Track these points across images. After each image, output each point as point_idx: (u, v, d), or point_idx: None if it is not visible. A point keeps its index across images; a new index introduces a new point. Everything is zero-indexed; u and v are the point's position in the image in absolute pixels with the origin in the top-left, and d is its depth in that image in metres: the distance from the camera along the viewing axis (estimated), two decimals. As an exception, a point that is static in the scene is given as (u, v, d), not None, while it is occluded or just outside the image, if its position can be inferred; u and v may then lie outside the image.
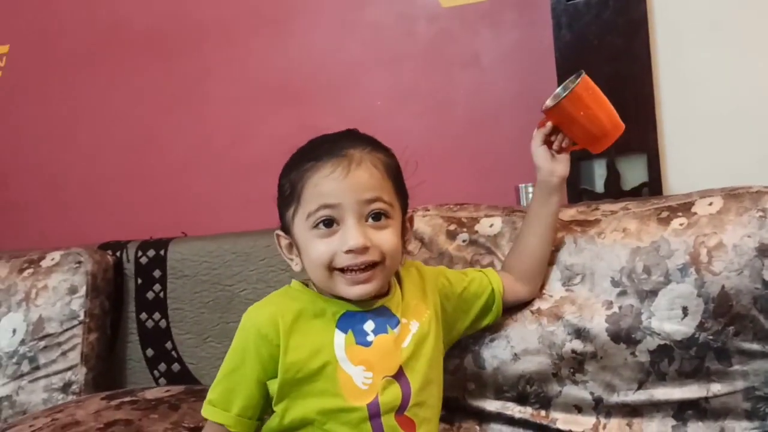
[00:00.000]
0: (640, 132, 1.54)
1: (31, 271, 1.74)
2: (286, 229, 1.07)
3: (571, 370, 1.21)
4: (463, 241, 1.35)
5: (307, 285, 1.08)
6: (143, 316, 1.78)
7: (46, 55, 2.22)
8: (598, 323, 1.20)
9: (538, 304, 1.25)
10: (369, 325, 1.04)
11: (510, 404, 1.26)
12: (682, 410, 1.17)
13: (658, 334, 1.16)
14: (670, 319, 1.16)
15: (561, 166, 1.20)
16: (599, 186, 1.59)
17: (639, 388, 1.18)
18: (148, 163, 2.13)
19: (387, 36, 1.90)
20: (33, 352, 1.65)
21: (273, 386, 1.01)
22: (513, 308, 1.25)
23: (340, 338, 1.02)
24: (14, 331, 1.67)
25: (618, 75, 1.54)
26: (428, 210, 1.41)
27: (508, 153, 1.72)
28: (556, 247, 1.26)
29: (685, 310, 1.15)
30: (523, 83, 1.76)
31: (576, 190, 1.59)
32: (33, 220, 2.25)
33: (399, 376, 1.03)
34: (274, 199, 1.08)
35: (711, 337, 1.14)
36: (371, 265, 1.00)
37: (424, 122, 1.87)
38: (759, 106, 1.52)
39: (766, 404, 1.14)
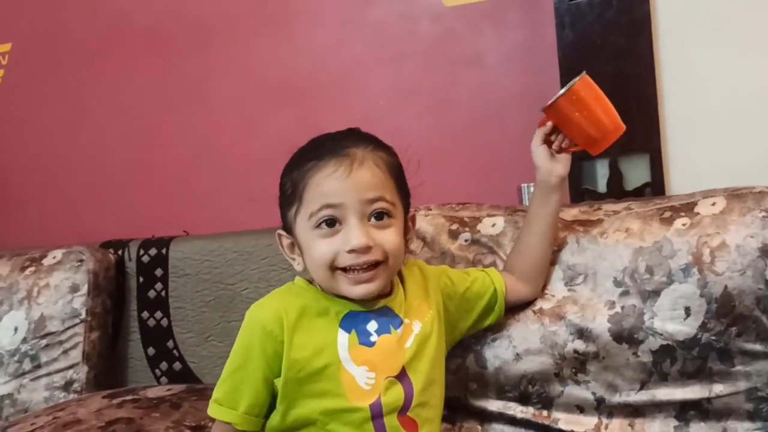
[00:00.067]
0: (643, 132, 1.54)
1: (33, 269, 1.74)
2: (287, 228, 1.07)
3: (573, 370, 1.21)
4: (465, 240, 1.35)
5: (310, 282, 1.08)
6: (145, 314, 1.78)
7: (49, 53, 2.22)
8: (600, 323, 1.19)
9: (540, 304, 1.25)
10: (372, 326, 1.03)
11: (512, 404, 1.26)
12: (684, 411, 1.17)
13: (661, 335, 1.16)
14: (672, 319, 1.16)
15: (560, 166, 1.20)
16: (602, 186, 1.59)
17: (641, 388, 1.18)
18: (150, 161, 2.13)
19: (389, 35, 1.89)
20: (34, 350, 1.65)
21: (278, 384, 1.01)
22: (515, 308, 1.25)
23: (343, 338, 1.02)
24: (16, 329, 1.67)
25: (621, 75, 1.53)
26: (430, 209, 1.41)
27: (510, 153, 1.72)
28: (558, 247, 1.26)
29: (687, 311, 1.15)
30: (525, 83, 1.76)
31: (578, 190, 1.58)
32: (35, 217, 2.25)
33: (402, 376, 1.03)
34: (276, 198, 1.08)
35: (713, 338, 1.14)
36: (374, 265, 1.00)
37: (426, 121, 1.87)
38: (762, 106, 1.52)
39: (768, 405, 1.14)
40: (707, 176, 1.39)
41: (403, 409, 1.02)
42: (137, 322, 1.78)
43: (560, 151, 1.20)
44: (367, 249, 0.99)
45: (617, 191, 1.57)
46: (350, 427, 1.00)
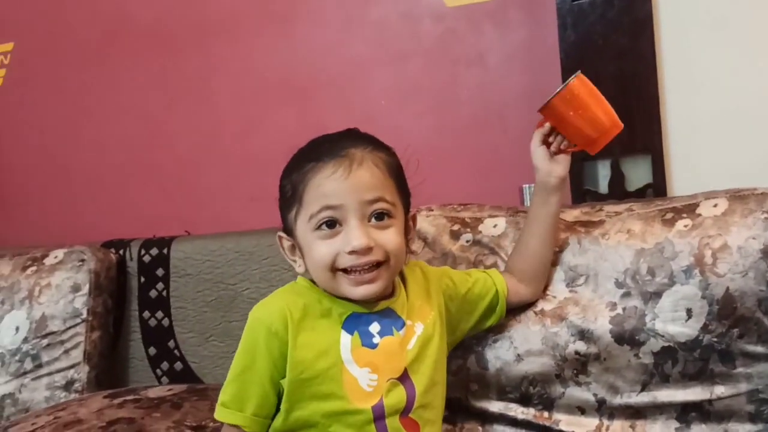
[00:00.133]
0: (645, 132, 1.53)
1: (34, 268, 1.74)
2: (288, 230, 1.06)
3: (575, 372, 1.21)
4: (467, 241, 1.35)
5: (313, 282, 1.07)
6: (146, 314, 1.78)
7: (51, 52, 2.22)
8: (601, 324, 1.19)
9: (541, 305, 1.25)
10: (375, 327, 1.03)
11: (513, 405, 1.26)
12: (685, 412, 1.17)
13: (662, 336, 1.16)
14: (674, 320, 1.16)
15: (559, 167, 1.19)
16: (603, 187, 1.59)
17: (642, 389, 1.18)
18: (151, 160, 2.13)
19: (391, 35, 1.89)
20: (36, 349, 1.65)
21: (284, 385, 1.00)
22: (516, 309, 1.25)
23: (346, 339, 1.01)
24: (17, 328, 1.68)
25: (623, 75, 1.53)
26: (432, 210, 1.41)
27: (512, 153, 1.71)
28: (559, 248, 1.26)
29: (689, 312, 1.15)
30: (527, 83, 1.76)
31: (580, 191, 1.58)
32: (37, 216, 2.26)
33: (404, 378, 1.03)
34: (277, 198, 1.08)
35: (715, 339, 1.14)
36: (375, 265, 1.00)
37: (427, 121, 1.87)
38: (765, 106, 1.51)
39: (770, 407, 1.13)
40: (709, 177, 1.39)
41: (405, 411, 1.02)
42: (138, 321, 1.79)
43: (558, 152, 1.20)
44: (367, 250, 0.99)
45: (619, 192, 1.56)
46: (352, 429, 0.99)
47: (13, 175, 2.29)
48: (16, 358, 1.65)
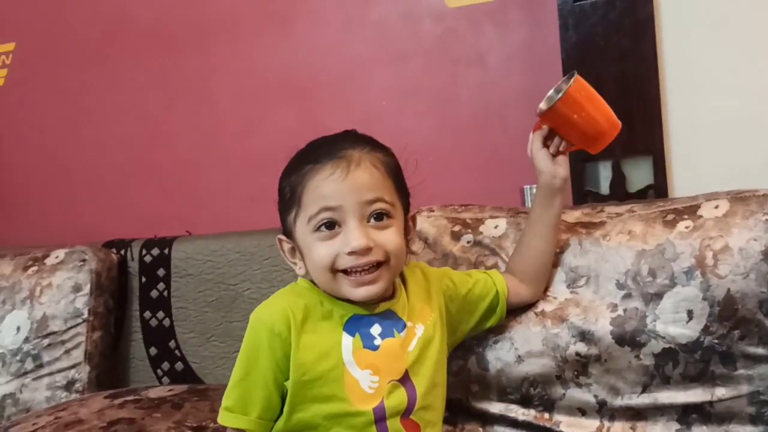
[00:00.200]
0: (646, 133, 1.53)
1: (35, 268, 1.74)
2: (288, 233, 1.06)
3: (575, 373, 1.21)
4: (468, 242, 1.35)
5: (313, 283, 1.07)
6: (147, 314, 1.78)
7: (52, 52, 2.23)
8: (602, 326, 1.19)
9: (542, 306, 1.25)
10: (376, 329, 1.03)
11: (513, 406, 1.26)
12: (686, 414, 1.17)
13: (663, 338, 1.16)
14: (675, 322, 1.15)
15: (562, 168, 1.19)
16: (604, 188, 1.59)
17: (643, 391, 1.18)
18: (152, 160, 2.13)
19: (391, 34, 1.89)
20: (37, 349, 1.65)
21: (288, 387, 1.00)
22: (517, 310, 1.25)
23: (347, 341, 1.01)
24: (18, 328, 1.68)
25: (624, 76, 1.53)
26: (433, 210, 1.41)
27: (513, 154, 1.71)
28: (560, 249, 1.26)
29: (690, 314, 1.15)
30: (529, 84, 1.76)
31: (581, 192, 1.58)
32: (38, 216, 2.26)
33: (405, 380, 1.02)
34: (276, 202, 1.08)
35: (716, 341, 1.14)
36: (375, 266, 1.00)
37: (427, 121, 1.87)
38: (766, 108, 1.51)
39: (770, 409, 1.13)
40: (710, 178, 1.39)
41: (405, 413, 1.02)
42: (139, 322, 1.79)
43: (557, 153, 1.20)
44: (367, 250, 0.99)
45: (620, 193, 1.56)
46: (353, 431, 0.99)
47: (13, 175, 2.30)
48: (17, 358, 1.66)
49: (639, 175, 1.56)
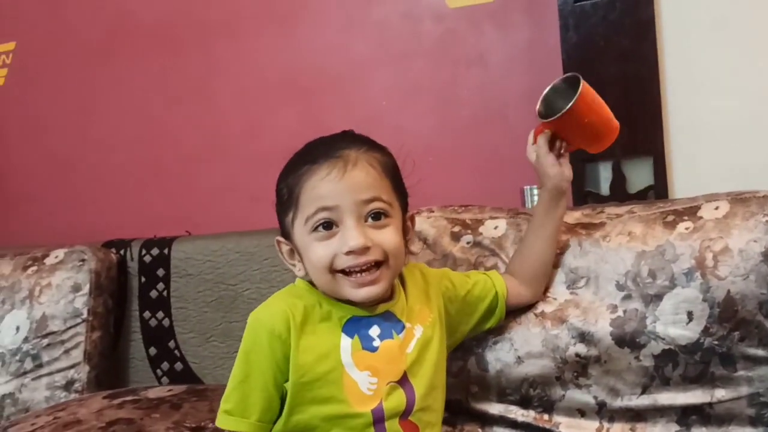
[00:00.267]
0: (647, 134, 1.53)
1: (35, 268, 1.74)
2: (286, 234, 1.06)
3: (575, 374, 1.21)
4: (468, 242, 1.34)
5: (312, 284, 1.07)
6: (146, 314, 1.78)
7: (53, 51, 2.23)
8: (602, 327, 1.19)
9: (542, 307, 1.24)
10: (375, 330, 1.03)
11: (513, 407, 1.25)
12: (685, 415, 1.16)
13: (663, 339, 1.15)
14: (674, 323, 1.15)
15: (568, 170, 1.19)
16: (605, 189, 1.58)
17: (643, 392, 1.18)
18: (153, 160, 2.13)
19: (393, 35, 1.89)
20: (36, 349, 1.65)
21: (288, 388, 1.00)
22: (517, 311, 1.24)
23: (346, 343, 1.01)
24: (18, 328, 1.68)
25: (625, 76, 1.53)
26: (432, 211, 1.41)
27: (513, 154, 1.69)
28: (560, 250, 1.26)
29: (690, 315, 1.15)
30: (529, 84, 1.75)
31: (581, 193, 1.58)
32: (38, 215, 2.26)
33: (403, 381, 1.02)
34: (274, 204, 1.07)
35: (716, 342, 1.13)
36: (375, 266, 1.00)
37: (428, 121, 1.87)
38: (767, 108, 1.51)
39: (770, 410, 1.13)
40: (711, 179, 1.38)
41: (404, 414, 1.02)
42: (139, 322, 1.79)
43: (559, 155, 1.20)
44: (365, 249, 0.98)
45: (620, 194, 1.56)
46: (351, 432, 0.99)
47: (14, 174, 2.30)
48: (17, 357, 1.66)
49: (639, 175, 1.56)
